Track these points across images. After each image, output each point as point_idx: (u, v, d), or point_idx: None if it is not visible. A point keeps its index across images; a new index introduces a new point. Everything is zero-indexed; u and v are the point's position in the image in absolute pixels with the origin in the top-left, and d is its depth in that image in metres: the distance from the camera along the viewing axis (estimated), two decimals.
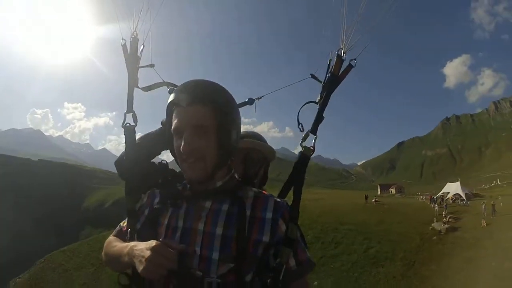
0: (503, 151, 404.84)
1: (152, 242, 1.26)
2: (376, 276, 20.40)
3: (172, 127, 1.35)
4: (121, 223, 1.61)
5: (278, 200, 1.40)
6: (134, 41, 1.71)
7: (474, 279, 16.43)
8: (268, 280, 1.28)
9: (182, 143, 1.29)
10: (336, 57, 1.53)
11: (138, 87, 1.73)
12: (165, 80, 1.79)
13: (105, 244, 1.55)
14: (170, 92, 1.56)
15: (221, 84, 1.41)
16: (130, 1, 1.80)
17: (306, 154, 1.51)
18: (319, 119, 1.55)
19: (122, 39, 1.71)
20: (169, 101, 1.39)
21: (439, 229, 24.26)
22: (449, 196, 49.85)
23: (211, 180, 1.37)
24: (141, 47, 1.74)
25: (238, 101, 1.68)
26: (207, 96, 1.33)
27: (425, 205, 39.94)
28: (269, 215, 1.33)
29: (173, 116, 1.36)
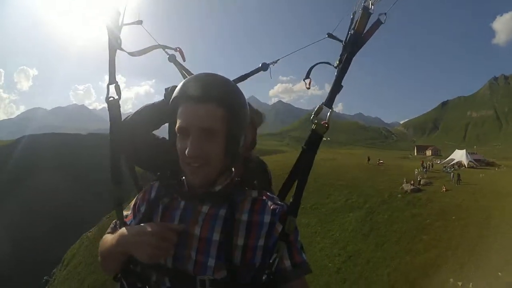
0: None
1: (148, 225, 1.21)
2: (346, 218, 25.16)
3: (177, 126, 1.16)
4: (115, 220, 1.45)
5: (278, 202, 1.27)
6: None
7: (409, 229, 20.95)
8: (264, 276, 1.18)
9: (188, 146, 1.13)
10: (362, 10, 1.22)
11: (123, 50, 1.49)
12: (159, 43, 1.55)
13: (100, 244, 1.36)
14: (170, 60, 1.53)
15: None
16: None
17: (318, 132, 1.29)
18: (336, 88, 1.29)
19: None
20: (175, 94, 1.19)
21: (406, 189, 27.74)
22: (453, 162, 50.53)
23: (212, 184, 1.24)
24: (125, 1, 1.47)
25: (251, 68, 1.57)
26: (221, 96, 1.15)
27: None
28: (267, 218, 1.22)
29: (179, 112, 1.17)
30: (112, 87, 1.42)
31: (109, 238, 1.31)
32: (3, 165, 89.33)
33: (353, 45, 1.24)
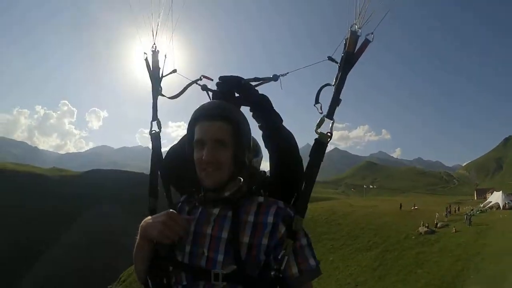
0: None
1: (163, 212, 1.42)
2: (364, 256, 28.24)
3: (195, 139, 1.40)
4: None
5: (281, 205, 1.39)
6: (155, 54, 1.76)
7: (410, 263, 23.57)
8: (272, 273, 1.28)
9: (204, 153, 1.35)
10: (350, 33, 1.38)
11: (164, 96, 1.77)
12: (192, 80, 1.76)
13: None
14: (203, 89, 1.69)
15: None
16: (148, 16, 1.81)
17: (322, 141, 1.39)
18: (335, 102, 1.40)
19: (144, 53, 1.77)
20: (193, 116, 1.45)
21: (421, 231, 30.02)
22: (491, 204, 50.11)
23: (222, 190, 1.42)
24: (163, 58, 1.78)
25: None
26: (230, 116, 1.40)
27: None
28: (270, 219, 1.34)
29: (196, 130, 1.42)
30: (154, 123, 1.70)
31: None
32: (72, 193, 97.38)
33: (345, 64, 1.38)
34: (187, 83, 1.75)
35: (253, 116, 1.66)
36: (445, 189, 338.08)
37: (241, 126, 1.42)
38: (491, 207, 48.70)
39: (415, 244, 27.41)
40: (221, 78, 1.58)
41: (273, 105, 1.69)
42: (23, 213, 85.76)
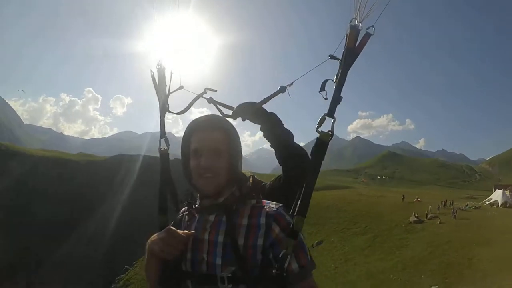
0: None
1: (164, 229, 1.46)
2: (358, 239, 32.83)
3: (192, 148, 1.48)
4: None
5: (272, 206, 1.43)
6: (160, 71, 1.78)
7: (392, 246, 27.90)
8: (274, 271, 1.28)
9: (202, 160, 1.43)
10: (350, 28, 1.34)
11: (171, 112, 1.80)
12: (198, 94, 1.79)
13: None
14: (209, 102, 1.77)
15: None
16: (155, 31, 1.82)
17: (323, 139, 1.35)
18: (336, 99, 1.36)
19: (151, 70, 1.78)
20: (189, 127, 1.54)
21: (411, 220, 33.93)
22: (491, 201, 51.99)
23: (217, 196, 1.46)
24: (170, 74, 1.79)
25: (268, 93, 1.73)
26: (223, 127, 1.51)
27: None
28: (262, 220, 1.37)
29: (193, 139, 1.50)
30: (162, 140, 1.73)
31: None
32: (99, 178, 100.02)
33: (346, 60, 1.33)
34: (192, 97, 1.81)
35: (264, 135, 1.83)
36: (466, 183, 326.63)
37: (234, 136, 1.52)
38: (491, 204, 50.79)
39: (402, 231, 31.57)
40: (237, 107, 1.75)
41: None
42: (53, 196, 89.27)
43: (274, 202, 1.47)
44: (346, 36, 1.36)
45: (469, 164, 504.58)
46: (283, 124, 1.84)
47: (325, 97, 1.41)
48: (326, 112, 1.37)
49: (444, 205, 42.31)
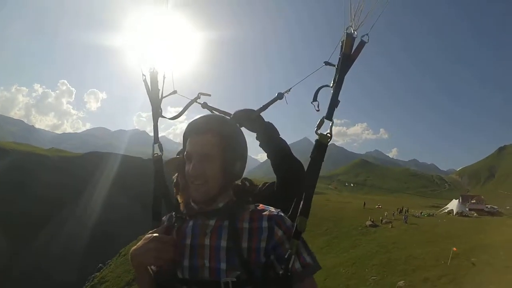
0: None
1: (149, 237, 1.40)
2: (319, 239, 35.49)
3: (185, 153, 1.45)
4: None
5: (272, 210, 1.42)
6: (153, 74, 1.71)
7: (346, 246, 31.27)
8: (280, 272, 1.29)
9: (190, 167, 1.39)
10: (345, 36, 1.37)
11: (164, 117, 1.77)
12: (191, 99, 1.75)
13: None
14: (203, 107, 1.74)
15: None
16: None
17: (322, 142, 1.38)
18: (334, 103, 1.39)
19: (143, 74, 1.72)
20: (184, 132, 1.51)
21: (367, 224, 37.66)
22: (447, 210, 56.88)
23: (214, 202, 1.43)
24: (163, 78, 1.73)
25: (267, 100, 1.72)
26: (215, 128, 1.43)
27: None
28: (264, 224, 1.36)
29: (187, 144, 1.46)
30: (156, 146, 1.69)
31: None
32: (70, 175, 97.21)
33: (342, 66, 1.37)
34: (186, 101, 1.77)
35: (260, 145, 1.79)
36: (435, 192, 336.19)
37: (230, 139, 1.45)
38: (448, 212, 55.26)
39: (357, 234, 35.26)
40: (234, 114, 1.70)
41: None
42: (26, 191, 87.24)
43: (272, 207, 1.46)
44: (342, 43, 1.38)
45: (439, 174, 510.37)
46: (279, 134, 1.81)
47: (317, 108, 1.46)
48: (325, 115, 1.40)
49: (400, 212, 46.28)
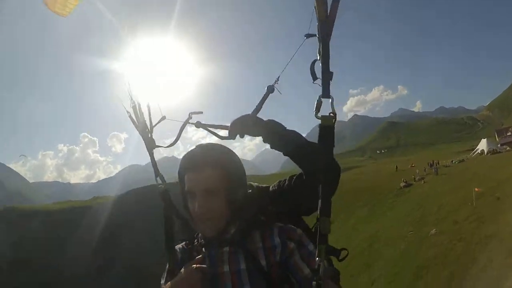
0: None
1: (182, 276, 1.38)
2: (362, 209, 38.79)
3: (186, 189, 1.43)
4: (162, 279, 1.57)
5: (279, 225, 1.46)
6: (136, 108, 1.67)
7: (385, 210, 33.99)
8: (314, 283, 1.15)
9: (196, 206, 1.39)
10: None
11: (159, 147, 1.72)
12: (183, 121, 1.66)
13: None
14: (197, 126, 1.61)
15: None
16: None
17: (326, 124, 1.16)
18: (326, 76, 1.17)
19: (127, 111, 1.67)
20: (180, 167, 1.49)
21: (401, 185, 39.73)
22: (478, 151, 57.32)
23: (224, 232, 1.44)
24: (147, 107, 1.67)
25: (260, 95, 1.59)
26: (215, 160, 1.41)
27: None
28: (277, 240, 1.41)
29: (186, 179, 1.45)
30: (158, 178, 1.63)
31: None
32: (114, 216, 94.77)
33: (321, 33, 1.15)
34: (179, 125, 1.68)
35: (271, 147, 1.60)
36: (471, 134, 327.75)
37: (230, 167, 1.44)
38: (480, 153, 55.88)
39: (393, 196, 37.66)
40: (231, 125, 1.52)
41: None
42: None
43: (277, 222, 1.48)
44: (315, 8, 1.17)
45: (470, 115, 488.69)
46: (285, 127, 1.63)
47: (314, 78, 1.22)
48: (321, 93, 1.18)
49: (431, 166, 47.97)
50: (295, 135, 1.65)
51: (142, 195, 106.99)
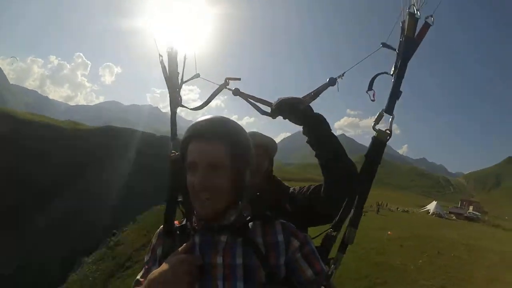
0: None
1: (173, 261, 1.19)
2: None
3: (188, 161, 1.24)
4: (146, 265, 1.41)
5: (283, 222, 1.32)
6: (172, 55, 1.49)
7: None
8: (298, 279, 1.19)
9: (196, 180, 1.20)
10: (408, 16, 1.18)
11: (184, 107, 1.54)
12: (219, 84, 1.49)
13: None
14: (235, 94, 1.50)
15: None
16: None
17: (380, 139, 1.21)
18: (395, 94, 1.19)
19: (160, 55, 1.50)
20: (186, 133, 1.27)
21: None
22: (425, 209, 61.58)
23: (222, 217, 1.25)
24: (183, 59, 1.49)
25: (318, 84, 1.45)
26: (226, 135, 1.23)
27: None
28: (280, 237, 1.27)
29: (189, 149, 1.24)
30: (173, 143, 1.49)
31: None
32: (86, 148, 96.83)
33: (405, 50, 1.18)
34: (212, 87, 1.50)
35: (308, 142, 1.51)
36: (439, 193, 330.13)
37: (241, 146, 1.26)
38: (427, 212, 60.02)
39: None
40: (278, 104, 1.43)
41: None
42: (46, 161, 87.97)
43: (280, 219, 1.35)
44: (402, 23, 1.20)
45: (446, 176, 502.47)
46: (331, 129, 1.54)
47: (372, 98, 1.26)
48: (384, 108, 1.20)
49: (378, 205, 53.06)
50: (337, 141, 1.59)
51: (120, 135, 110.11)
